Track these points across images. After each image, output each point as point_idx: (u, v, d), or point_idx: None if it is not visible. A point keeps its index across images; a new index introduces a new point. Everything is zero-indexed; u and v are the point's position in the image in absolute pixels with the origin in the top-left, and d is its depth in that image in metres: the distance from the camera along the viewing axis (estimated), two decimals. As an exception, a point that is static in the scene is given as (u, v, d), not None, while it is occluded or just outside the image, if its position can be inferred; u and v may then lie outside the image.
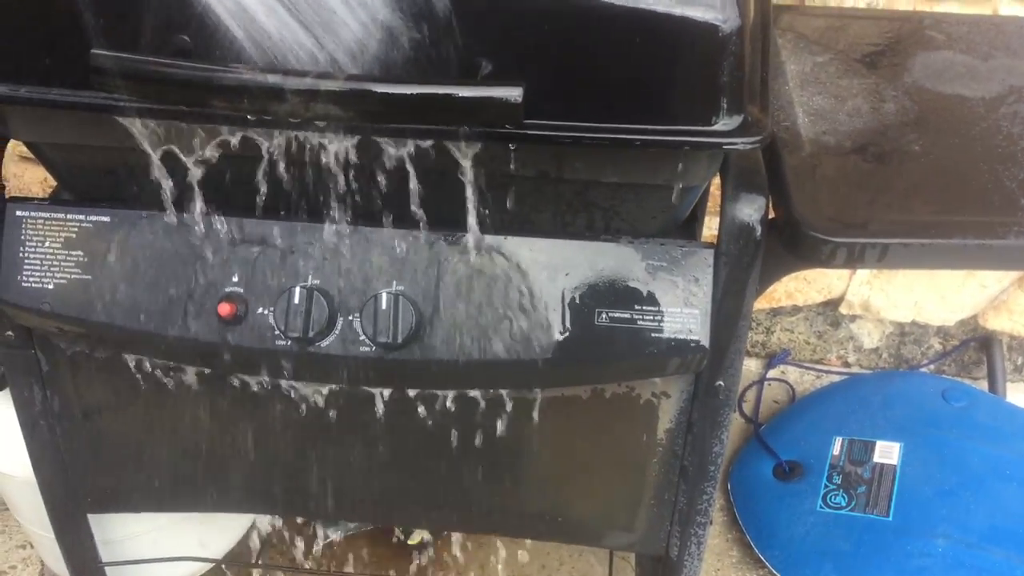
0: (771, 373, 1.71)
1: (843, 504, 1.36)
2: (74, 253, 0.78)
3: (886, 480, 1.37)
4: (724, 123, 0.65)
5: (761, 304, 1.65)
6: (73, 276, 0.78)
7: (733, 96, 0.65)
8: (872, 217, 0.72)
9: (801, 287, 1.63)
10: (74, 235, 0.78)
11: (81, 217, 0.78)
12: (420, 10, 0.61)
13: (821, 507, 1.36)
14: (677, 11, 0.62)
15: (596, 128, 0.65)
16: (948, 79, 0.89)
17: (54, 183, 0.85)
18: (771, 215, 0.74)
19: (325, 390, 0.83)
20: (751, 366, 1.73)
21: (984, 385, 1.64)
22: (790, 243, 0.72)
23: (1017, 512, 1.30)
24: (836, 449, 1.44)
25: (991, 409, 1.48)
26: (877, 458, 1.40)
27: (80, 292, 0.78)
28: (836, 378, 1.68)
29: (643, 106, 0.65)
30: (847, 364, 1.74)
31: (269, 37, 0.61)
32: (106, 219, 0.77)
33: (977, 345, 1.68)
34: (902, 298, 1.61)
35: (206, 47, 0.62)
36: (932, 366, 1.72)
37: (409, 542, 1.37)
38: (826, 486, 1.39)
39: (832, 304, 1.66)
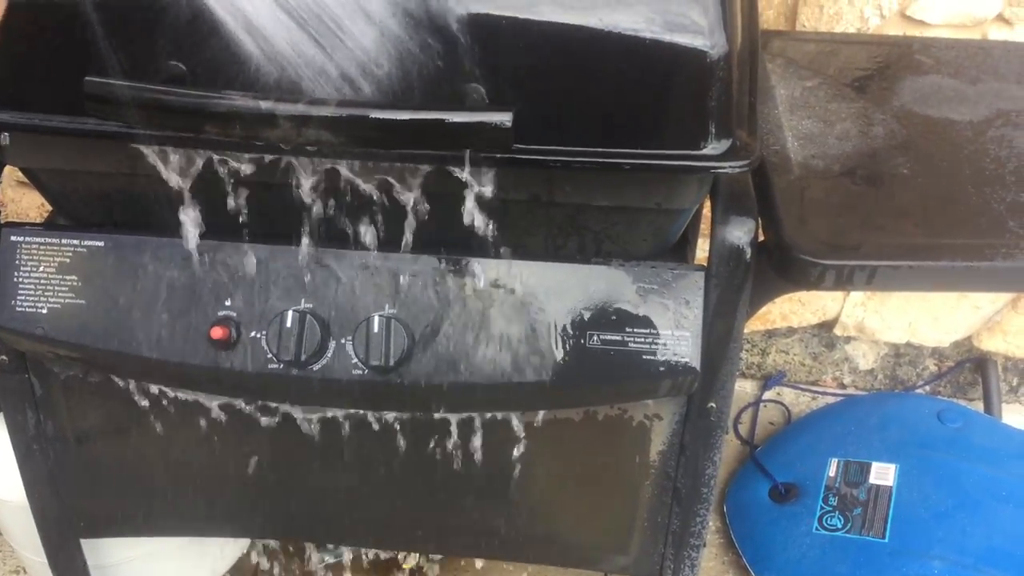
0: (767, 395, 1.71)
1: (839, 526, 1.35)
2: (68, 278, 0.78)
3: (882, 502, 1.36)
4: (713, 147, 0.66)
5: (756, 326, 1.66)
6: (67, 301, 0.78)
7: (721, 120, 0.66)
8: (861, 240, 0.73)
9: (796, 309, 1.63)
10: (68, 260, 0.78)
11: (75, 242, 0.78)
12: (413, 35, 0.62)
13: (817, 529, 1.36)
14: (666, 37, 0.62)
15: (586, 152, 0.66)
16: (936, 103, 0.89)
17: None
18: (761, 238, 0.75)
19: (317, 413, 0.83)
20: (747, 388, 1.73)
21: (979, 406, 1.64)
22: (779, 266, 0.73)
23: (1013, 533, 1.30)
24: (832, 471, 1.43)
25: (986, 430, 1.48)
26: (873, 480, 1.40)
27: (74, 317, 0.78)
28: (831, 399, 1.68)
29: (633, 131, 0.66)
30: (842, 385, 1.75)
31: (283, 54, 0.61)
32: (100, 244, 0.78)
33: (972, 366, 1.68)
34: (896, 319, 1.61)
35: (216, 68, 0.63)
36: (927, 387, 1.72)
37: (404, 566, 1.36)
38: (822, 508, 1.38)
39: (827, 325, 1.66)
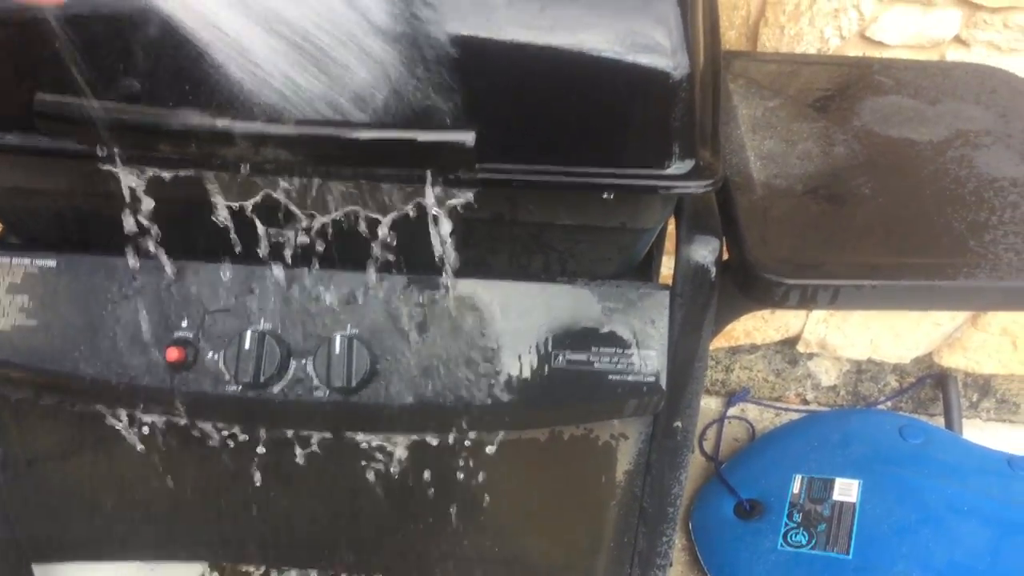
0: (731, 411, 1.71)
1: (804, 542, 1.35)
2: (19, 298, 0.76)
3: (846, 518, 1.37)
4: (676, 167, 0.66)
5: (720, 342, 1.66)
6: (17, 322, 0.76)
7: (685, 141, 0.65)
8: (824, 259, 0.73)
9: (759, 325, 1.64)
10: (19, 280, 0.76)
11: (27, 262, 0.76)
12: (375, 54, 0.61)
13: (782, 546, 1.36)
14: (629, 58, 0.62)
15: (550, 171, 0.66)
16: (897, 123, 0.90)
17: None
18: (725, 257, 0.75)
19: (275, 435, 0.82)
20: (711, 404, 1.73)
21: (940, 421, 1.65)
22: (744, 284, 0.73)
23: (975, 549, 1.31)
24: (796, 487, 1.44)
25: (948, 446, 1.49)
26: (836, 496, 1.40)
27: (25, 338, 0.76)
28: (795, 416, 1.69)
29: (596, 150, 0.65)
30: (805, 401, 1.76)
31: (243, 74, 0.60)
32: (52, 264, 0.76)
33: (933, 382, 1.70)
34: (858, 336, 1.62)
35: (172, 85, 0.62)
36: (889, 403, 1.73)
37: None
38: (786, 524, 1.39)
39: (790, 342, 1.67)
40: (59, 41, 0.61)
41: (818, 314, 1.60)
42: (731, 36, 1.33)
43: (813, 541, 1.35)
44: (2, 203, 0.77)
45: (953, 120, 0.91)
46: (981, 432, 1.68)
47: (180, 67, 0.61)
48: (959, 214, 0.78)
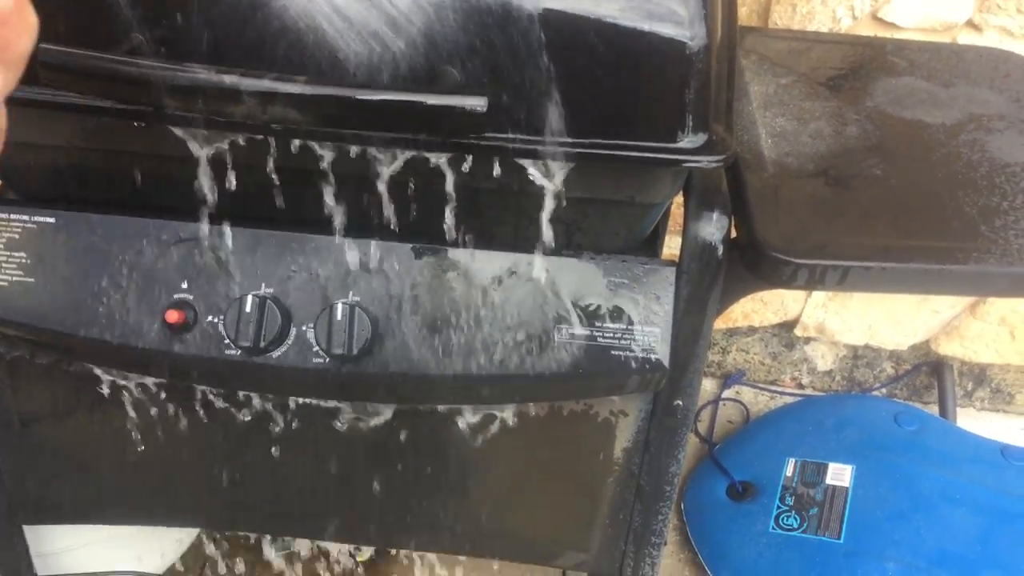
0: (726, 393, 1.71)
1: (795, 526, 1.36)
2: (16, 255, 0.75)
3: (838, 502, 1.37)
4: (689, 140, 0.65)
5: (718, 324, 1.66)
6: (15, 279, 0.75)
7: (698, 114, 0.64)
8: (833, 240, 0.72)
9: (757, 308, 1.63)
10: (17, 236, 0.75)
11: (25, 218, 0.75)
12: (385, 16, 0.60)
13: (773, 528, 1.36)
14: (645, 26, 0.61)
15: (561, 143, 0.64)
16: (910, 105, 0.89)
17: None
18: (733, 234, 0.74)
19: (274, 402, 0.81)
20: (707, 386, 1.73)
21: (935, 409, 1.66)
22: (751, 263, 0.72)
23: (966, 536, 1.31)
24: (789, 470, 1.44)
25: (941, 433, 1.49)
26: (829, 480, 1.41)
27: (22, 296, 0.75)
28: (790, 399, 1.69)
29: (608, 121, 0.64)
30: (801, 386, 1.75)
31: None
32: (51, 220, 0.75)
33: (929, 370, 1.70)
34: (856, 322, 1.62)
35: (183, 40, 0.60)
36: (884, 389, 1.73)
37: (358, 559, 1.34)
38: (779, 507, 1.39)
39: (787, 326, 1.67)
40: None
41: (817, 298, 1.60)
42: (742, 12, 1.31)
43: (805, 525, 1.35)
44: (1, 158, 0.76)
45: (966, 104, 0.90)
46: (975, 421, 1.69)
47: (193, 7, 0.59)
48: (970, 198, 0.77)
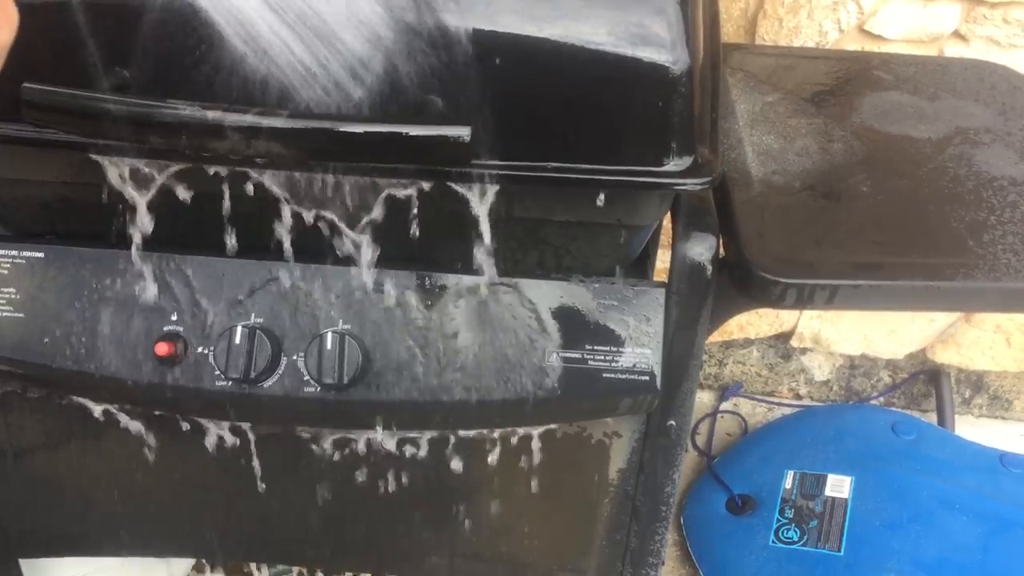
0: (724, 405, 1.71)
1: (795, 539, 1.35)
2: (6, 290, 0.75)
3: (837, 514, 1.37)
4: (675, 164, 0.65)
5: (714, 336, 1.65)
6: (4, 314, 0.75)
7: (683, 137, 0.65)
8: (821, 258, 0.72)
9: (753, 320, 1.63)
10: (6, 272, 0.75)
11: (14, 253, 0.75)
12: (367, 46, 0.60)
13: (774, 542, 1.36)
14: (628, 52, 0.61)
15: (545, 168, 0.65)
16: (896, 120, 0.90)
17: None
18: (722, 254, 0.74)
19: (266, 431, 0.81)
20: (704, 398, 1.73)
21: (933, 418, 1.65)
22: (740, 283, 0.72)
23: (965, 545, 1.31)
24: (788, 483, 1.44)
25: (940, 442, 1.49)
26: (829, 492, 1.40)
27: (12, 330, 0.75)
28: (788, 410, 1.69)
29: (593, 146, 0.64)
30: (798, 396, 1.75)
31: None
32: (39, 255, 0.75)
33: (926, 378, 1.70)
34: (852, 332, 1.62)
35: (165, 76, 0.61)
36: (881, 399, 1.73)
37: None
38: (778, 520, 1.39)
39: (783, 337, 1.67)
40: (46, 30, 0.60)
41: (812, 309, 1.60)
42: (729, 28, 1.32)
43: (805, 537, 1.35)
44: (-12, 194, 0.76)
45: (952, 117, 0.91)
46: (973, 428, 1.68)
47: (176, 47, 0.60)
48: (958, 213, 0.77)
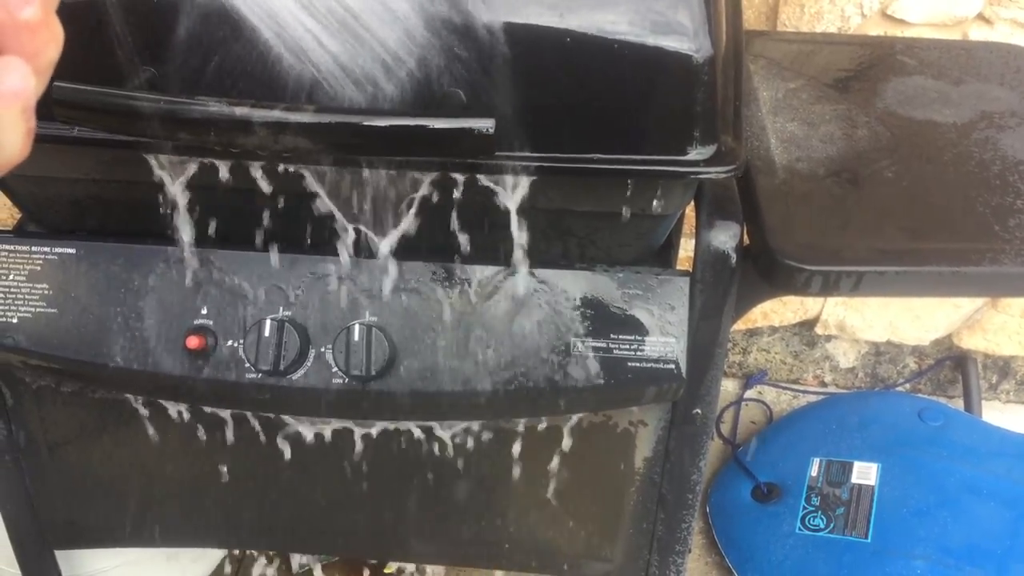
0: (748, 393, 1.71)
1: (822, 526, 1.35)
2: (39, 286, 0.76)
3: (864, 501, 1.36)
4: (698, 152, 0.65)
5: (738, 324, 1.65)
6: (38, 310, 0.76)
7: (707, 125, 0.65)
8: (846, 245, 0.72)
9: (777, 307, 1.63)
10: (39, 268, 0.76)
11: (47, 249, 0.76)
12: (391, 39, 0.60)
13: (800, 529, 1.36)
14: (650, 41, 0.61)
15: (571, 158, 0.65)
16: (920, 104, 0.89)
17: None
18: (746, 242, 0.74)
19: (297, 423, 0.82)
20: (728, 387, 1.73)
21: (960, 404, 1.64)
22: (765, 271, 0.72)
23: (994, 531, 1.30)
24: (814, 470, 1.43)
25: (967, 428, 1.48)
26: (855, 479, 1.40)
27: (46, 326, 0.76)
28: (813, 398, 1.68)
29: (617, 136, 0.65)
30: (823, 384, 1.75)
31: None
32: (72, 251, 0.76)
33: (952, 364, 1.69)
34: (877, 318, 1.61)
35: (193, 74, 0.61)
36: (908, 385, 1.72)
37: (385, 571, 1.35)
38: (804, 508, 1.38)
39: (808, 324, 1.66)
40: (77, 30, 0.60)
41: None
42: (750, 15, 1.31)
43: (832, 525, 1.35)
44: (21, 191, 0.77)
45: (977, 101, 0.90)
46: (1000, 414, 1.67)
47: (204, 43, 0.60)
48: (984, 198, 0.76)
